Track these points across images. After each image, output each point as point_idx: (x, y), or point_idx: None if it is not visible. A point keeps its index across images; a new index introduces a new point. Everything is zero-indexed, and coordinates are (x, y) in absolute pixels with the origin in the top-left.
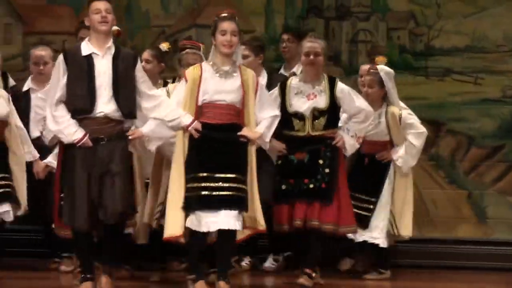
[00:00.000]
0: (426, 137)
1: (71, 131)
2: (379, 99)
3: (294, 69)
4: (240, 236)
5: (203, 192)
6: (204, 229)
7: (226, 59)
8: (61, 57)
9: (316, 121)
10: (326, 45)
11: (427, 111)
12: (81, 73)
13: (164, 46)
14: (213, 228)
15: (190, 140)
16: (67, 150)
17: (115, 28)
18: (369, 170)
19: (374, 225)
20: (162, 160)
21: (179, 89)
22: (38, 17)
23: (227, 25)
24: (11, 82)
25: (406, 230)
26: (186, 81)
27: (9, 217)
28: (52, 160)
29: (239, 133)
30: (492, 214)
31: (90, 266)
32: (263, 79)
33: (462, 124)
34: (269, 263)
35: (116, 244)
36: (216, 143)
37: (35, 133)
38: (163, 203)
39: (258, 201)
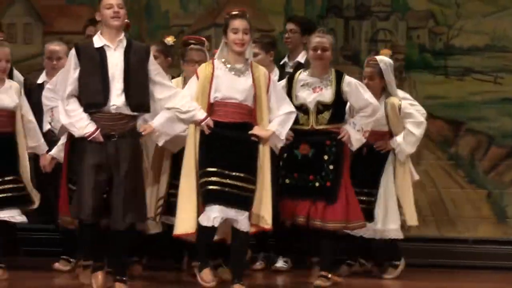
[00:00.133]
0: (425, 127)
1: (82, 124)
2: (379, 90)
3: (299, 58)
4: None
5: (212, 187)
6: (211, 223)
7: (238, 57)
8: (73, 50)
9: (320, 115)
10: (334, 41)
11: (447, 110)
12: (93, 65)
13: (170, 40)
14: (216, 223)
15: (201, 136)
16: (77, 143)
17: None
18: (367, 160)
19: (387, 218)
20: (162, 151)
21: (190, 84)
22: (57, 17)
23: (238, 23)
24: (17, 76)
25: (412, 219)
26: (198, 77)
27: (17, 220)
28: (57, 152)
29: (250, 132)
30: None
31: (99, 254)
32: (275, 76)
33: (482, 123)
34: (281, 263)
35: (125, 250)
36: (227, 141)
37: (47, 126)
38: (164, 198)
39: (269, 200)
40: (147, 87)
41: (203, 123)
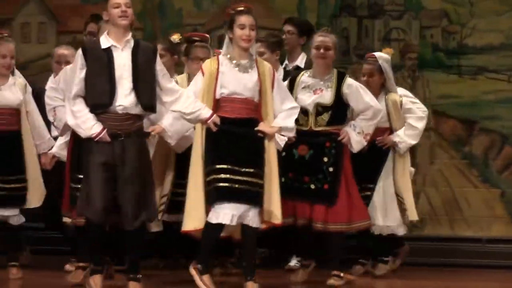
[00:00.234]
0: (426, 120)
1: (89, 125)
2: (379, 87)
3: (298, 62)
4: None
5: (221, 184)
6: (222, 221)
7: (244, 53)
8: (79, 51)
9: (320, 116)
10: (337, 41)
11: (460, 109)
12: (100, 66)
13: (176, 37)
14: (229, 221)
15: (208, 134)
16: (84, 143)
17: None
18: (368, 156)
19: (388, 214)
20: (166, 150)
21: (196, 81)
22: (71, 16)
23: (245, 19)
24: (16, 74)
25: (413, 214)
26: (203, 74)
27: (16, 221)
28: (58, 150)
29: (256, 128)
30: None
31: (100, 259)
32: (280, 76)
33: (496, 122)
34: (294, 262)
35: (138, 249)
36: (233, 137)
37: (55, 133)
38: (167, 195)
39: (277, 194)
40: (155, 88)
41: (209, 121)
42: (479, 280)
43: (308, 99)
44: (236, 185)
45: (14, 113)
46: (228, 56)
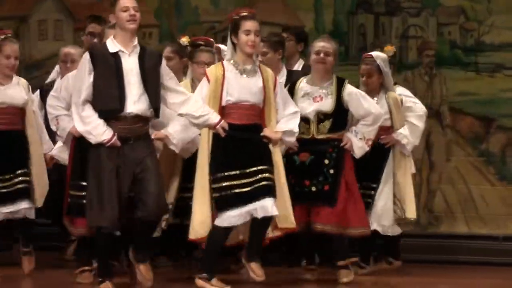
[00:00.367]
0: (426, 119)
1: (100, 131)
2: (378, 87)
3: (296, 67)
4: (270, 235)
5: (230, 191)
6: (230, 224)
7: (248, 58)
8: (87, 55)
9: (321, 124)
10: (337, 48)
11: (478, 107)
12: (109, 71)
13: (184, 40)
14: (238, 221)
15: (215, 140)
16: (92, 149)
17: None
18: (371, 155)
19: (380, 213)
20: (173, 155)
21: (202, 88)
22: (88, 13)
23: (250, 25)
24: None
25: (411, 212)
26: (209, 80)
27: (31, 215)
28: (57, 153)
29: (262, 134)
30: None
31: (109, 268)
32: (282, 76)
33: None
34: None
35: (150, 238)
36: (239, 143)
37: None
38: (173, 203)
39: (289, 199)
40: (159, 93)
41: (218, 127)
42: (495, 277)
43: (308, 107)
44: (245, 189)
45: (18, 112)
46: (232, 61)
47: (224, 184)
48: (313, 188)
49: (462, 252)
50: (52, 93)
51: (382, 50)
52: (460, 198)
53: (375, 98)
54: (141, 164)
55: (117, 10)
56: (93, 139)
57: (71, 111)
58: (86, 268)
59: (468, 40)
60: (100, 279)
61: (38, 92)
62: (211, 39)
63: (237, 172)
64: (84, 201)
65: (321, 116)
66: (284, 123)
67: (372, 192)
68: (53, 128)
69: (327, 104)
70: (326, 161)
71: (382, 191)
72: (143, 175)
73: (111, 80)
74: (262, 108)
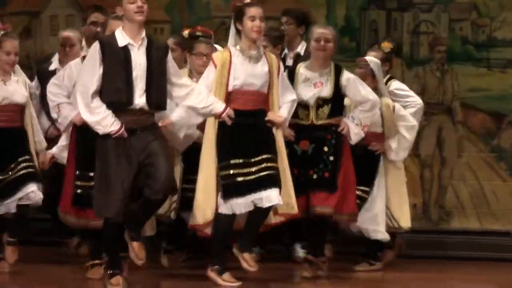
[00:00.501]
0: (417, 130)
1: (108, 122)
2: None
3: (298, 49)
4: (272, 221)
5: (237, 179)
6: (236, 211)
7: (253, 44)
8: (97, 46)
9: (320, 109)
10: (336, 34)
11: (489, 102)
12: (118, 64)
13: (187, 33)
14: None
15: (220, 128)
16: (99, 140)
17: None
18: (361, 161)
19: (377, 219)
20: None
21: (207, 73)
22: None
23: (255, 11)
24: (18, 70)
25: (405, 221)
26: (215, 65)
27: (36, 197)
28: (58, 152)
29: (266, 119)
30: None
31: (119, 260)
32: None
33: None
34: (301, 252)
35: (150, 216)
36: (244, 129)
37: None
38: (178, 193)
39: (291, 184)
40: (166, 86)
41: (223, 115)
42: (507, 273)
43: (309, 93)
44: (250, 177)
45: (18, 109)
46: (238, 47)
47: (231, 172)
48: (314, 176)
49: (473, 248)
50: (53, 80)
51: (391, 45)
52: (471, 194)
53: None
54: (145, 150)
55: (124, 2)
56: (101, 130)
57: (72, 100)
58: (97, 262)
59: (480, 36)
60: (110, 272)
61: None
62: (210, 31)
63: (243, 160)
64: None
65: (320, 102)
66: (286, 110)
67: (366, 196)
68: (54, 115)
69: (327, 89)
70: (326, 149)
71: (376, 196)
72: (149, 161)
73: (120, 73)
74: (267, 93)
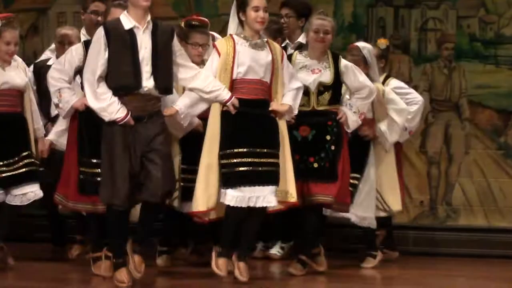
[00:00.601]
0: (407, 114)
1: (114, 109)
2: None
3: (300, 39)
4: (271, 208)
5: (240, 168)
6: (239, 204)
7: (256, 34)
8: (102, 31)
9: (321, 96)
10: (335, 24)
11: (497, 99)
12: (124, 48)
13: (183, 22)
14: (246, 203)
15: (224, 116)
16: (105, 127)
17: None
18: (352, 148)
19: (364, 205)
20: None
21: (211, 61)
22: None
23: (259, 1)
24: (18, 59)
25: (397, 205)
26: (219, 54)
27: (35, 197)
28: (56, 137)
29: (270, 108)
30: None
31: (123, 250)
32: None
33: None
34: (275, 250)
35: (152, 224)
36: (248, 119)
37: (55, 111)
38: (179, 181)
39: (292, 173)
40: (172, 69)
41: (228, 103)
42: None
43: (309, 78)
44: (254, 168)
45: (18, 94)
46: (242, 35)
47: (234, 160)
48: (315, 165)
49: (480, 245)
50: (54, 65)
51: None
52: (478, 191)
53: None
54: (150, 143)
55: None
56: (107, 117)
57: (73, 84)
58: (99, 254)
59: (488, 33)
60: (114, 261)
61: (31, 67)
62: (206, 20)
63: (245, 150)
64: (98, 179)
65: (321, 88)
66: (291, 97)
67: (356, 182)
68: (55, 100)
69: (327, 75)
70: (328, 137)
71: (365, 183)
72: (151, 157)
73: (126, 56)
74: (270, 82)
